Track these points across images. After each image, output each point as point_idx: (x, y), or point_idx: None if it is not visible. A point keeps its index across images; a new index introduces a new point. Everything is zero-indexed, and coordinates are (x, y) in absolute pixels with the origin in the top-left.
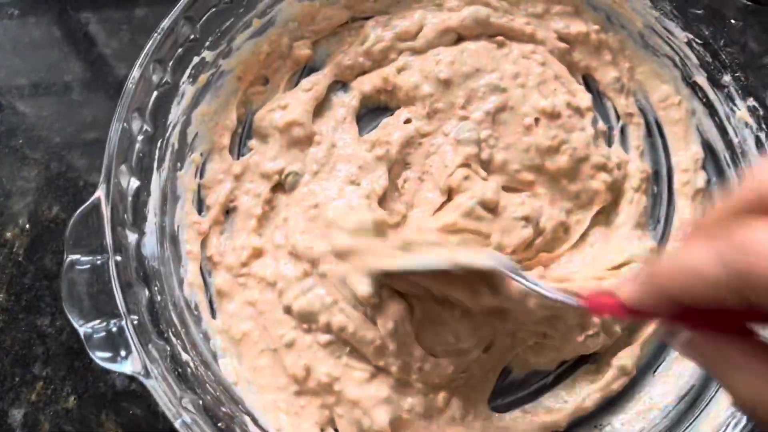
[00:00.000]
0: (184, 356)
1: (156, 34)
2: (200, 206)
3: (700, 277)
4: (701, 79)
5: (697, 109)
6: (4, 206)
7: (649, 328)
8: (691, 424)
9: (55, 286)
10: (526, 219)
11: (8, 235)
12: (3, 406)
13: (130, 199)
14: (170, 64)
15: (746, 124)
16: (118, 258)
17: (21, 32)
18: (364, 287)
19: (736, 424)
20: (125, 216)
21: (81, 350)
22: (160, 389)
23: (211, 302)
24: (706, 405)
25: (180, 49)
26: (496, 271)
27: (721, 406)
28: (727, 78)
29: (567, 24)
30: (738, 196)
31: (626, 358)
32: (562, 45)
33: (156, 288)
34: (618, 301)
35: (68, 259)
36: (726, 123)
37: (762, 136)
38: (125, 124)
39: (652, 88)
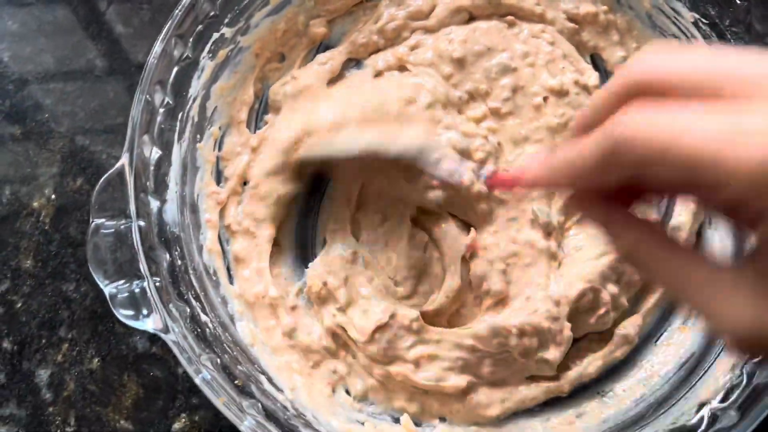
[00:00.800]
0: (203, 317)
1: (177, 11)
2: (219, 177)
3: (582, 164)
4: None
5: None
6: (31, 177)
7: (652, 299)
8: (690, 389)
9: (79, 253)
10: None
11: (35, 204)
12: (30, 367)
13: (152, 167)
14: (191, 39)
15: None
16: (141, 223)
17: (44, 13)
18: None
19: (733, 388)
20: (147, 184)
21: (104, 314)
22: (180, 349)
23: (228, 269)
24: (705, 372)
25: (200, 26)
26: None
27: (719, 372)
28: None
29: (576, 5)
30: (610, 87)
31: (629, 327)
32: (571, 25)
33: (177, 253)
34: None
35: (93, 223)
36: None
37: None
38: (148, 97)
39: None
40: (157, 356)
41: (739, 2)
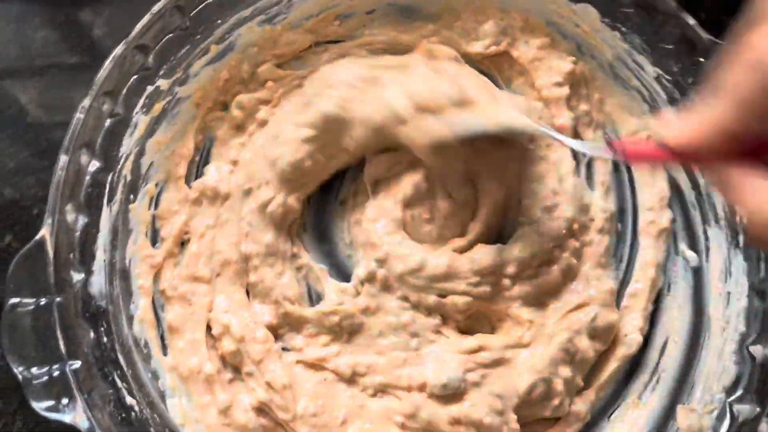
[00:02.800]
0: (129, 400)
1: (106, 64)
2: (154, 238)
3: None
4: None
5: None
6: None
7: (606, 373)
8: None
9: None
10: None
11: None
12: None
13: (77, 235)
14: (122, 94)
15: None
16: (60, 299)
17: None
18: None
19: None
20: (71, 256)
21: None
22: None
23: (162, 338)
24: None
25: (132, 79)
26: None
27: None
28: None
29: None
30: None
31: (580, 404)
32: None
33: (103, 329)
34: (659, 147)
35: (9, 302)
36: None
37: None
38: (72, 159)
39: (621, 121)
40: None
41: (702, 60)
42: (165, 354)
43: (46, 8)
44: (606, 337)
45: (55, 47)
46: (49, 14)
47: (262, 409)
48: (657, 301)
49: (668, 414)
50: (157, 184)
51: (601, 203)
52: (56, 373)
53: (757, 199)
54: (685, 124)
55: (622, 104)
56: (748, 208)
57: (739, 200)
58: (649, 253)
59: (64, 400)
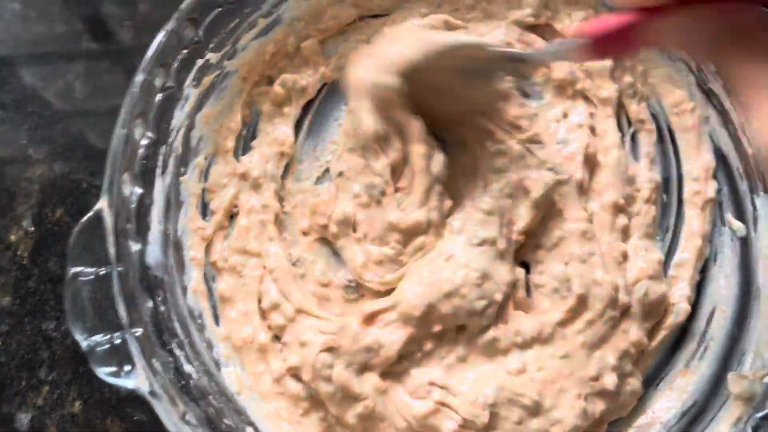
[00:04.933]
0: (187, 368)
1: (159, 38)
2: (204, 211)
3: None
4: (716, 86)
5: (711, 117)
6: (7, 208)
7: (653, 343)
8: None
9: (60, 289)
10: None
11: (12, 238)
12: (10, 410)
13: (133, 207)
14: (173, 68)
15: None
16: (121, 269)
17: (24, 26)
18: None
19: None
20: (128, 226)
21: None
22: (163, 406)
23: (214, 309)
24: (708, 425)
25: (183, 53)
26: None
27: (723, 426)
28: None
29: None
30: None
31: (635, 380)
32: None
33: (160, 298)
34: (616, 18)
35: (71, 271)
36: (740, 132)
37: None
38: (127, 132)
39: (665, 93)
40: (141, 399)
41: None
42: (218, 324)
43: None
44: (657, 310)
45: (105, 25)
46: None
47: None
48: (704, 270)
49: (717, 381)
50: (206, 158)
51: (647, 173)
52: (118, 341)
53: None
54: None
55: (667, 76)
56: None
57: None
58: (695, 223)
59: (127, 367)
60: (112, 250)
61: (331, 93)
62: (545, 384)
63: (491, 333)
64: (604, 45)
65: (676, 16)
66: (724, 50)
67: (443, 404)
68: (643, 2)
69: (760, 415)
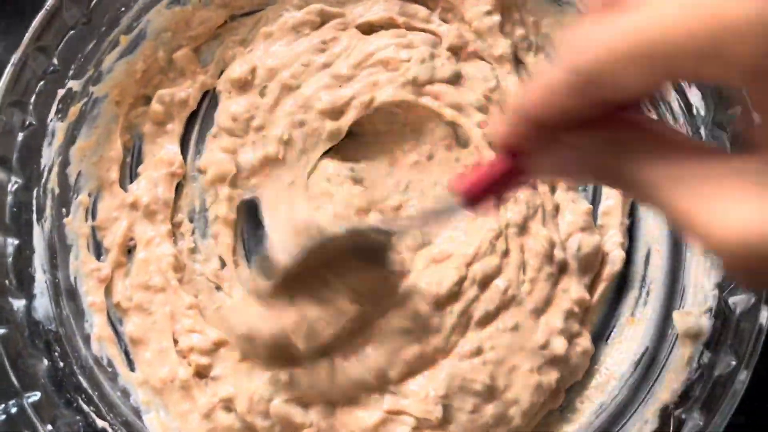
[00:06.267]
0: (101, 423)
1: (7, 72)
2: (99, 250)
3: (552, 89)
4: None
5: None
6: None
7: (594, 298)
8: (649, 391)
9: None
10: None
11: None
12: None
13: (9, 261)
14: (31, 103)
15: None
16: (4, 330)
17: None
18: None
19: (693, 385)
20: (6, 282)
21: None
22: None
23: (126, 354)
24: (661, 369)
25: (40, 85)
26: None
27: (676, 368)
28: None
29: None
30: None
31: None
32: None
33: (57, 353)
34: (485, 168)
35: None
36: None
37: None
38: None
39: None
40: None
41: None
42: (132, 369)
43: None
44: (594, 263)
45: None
46: None
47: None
48: (632, 213)
49: (665, 324)
50: (90, 194)
51: None
52: (14, 410)
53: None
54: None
55: (559, 22)
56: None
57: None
58: None
59: None
60: None
61: (214, 100)
62: (496, 365)
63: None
64: (479, 197)
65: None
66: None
67: (393, 412)
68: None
69: (710, 350)
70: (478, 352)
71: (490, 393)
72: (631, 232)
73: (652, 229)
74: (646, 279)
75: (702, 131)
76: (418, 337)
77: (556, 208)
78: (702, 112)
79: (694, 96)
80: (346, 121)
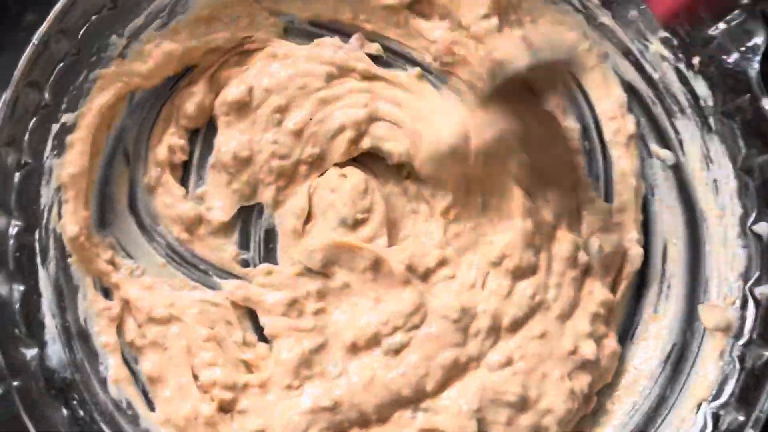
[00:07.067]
0: None
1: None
2: (106, 289)
3: None
4: (607, 18)
5: (609, 51)
6: None
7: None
8: (682, 388)
9: None
10: None
11: None
12: None
13: (18, 307)
14: (25, 141)
15: (662, 57)
16: (18, 383)
17: None
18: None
19: (727, 378)
20: (16, 331)
21: None
22: None
23: (145, 394)
24: (693, 365)
25: (33, 121)
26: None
27: (707, 362)
28: (633, 13)
29: None
30: None
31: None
32: None
33: (75, 401)
34: None
35: None
36: (642, 60)
37: (681, 66)
38: None
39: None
40: None
41: None
42: (152, 409)
43: None
44: (615, 262)
45: None
46: None
47: None
48: (645, 209)
49: (690, 318)
50: None
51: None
52: None
53: None
54: None
55: (556, 21)
56: None
57: None
58: (623, 162)
59: None
60: (2, 364)
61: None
62: (526, 374)
63: None
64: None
65: None
66: None
67: (428, 431)
68: None
69: (741, 342)
70: (508, 362)
71: (523, 403)
72: (646, 228)
73: (667, 222)
74: (666, 274)
75: (711, 121)
76: (455, 337)
77: (578, 209)
78: (709, 102)
79: (700, 87)
80: None
